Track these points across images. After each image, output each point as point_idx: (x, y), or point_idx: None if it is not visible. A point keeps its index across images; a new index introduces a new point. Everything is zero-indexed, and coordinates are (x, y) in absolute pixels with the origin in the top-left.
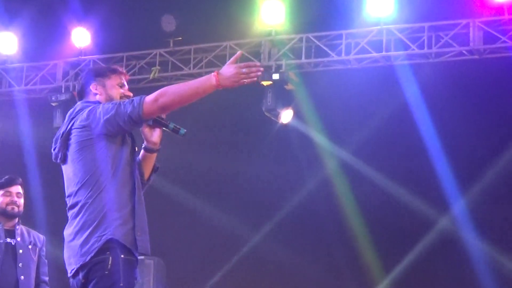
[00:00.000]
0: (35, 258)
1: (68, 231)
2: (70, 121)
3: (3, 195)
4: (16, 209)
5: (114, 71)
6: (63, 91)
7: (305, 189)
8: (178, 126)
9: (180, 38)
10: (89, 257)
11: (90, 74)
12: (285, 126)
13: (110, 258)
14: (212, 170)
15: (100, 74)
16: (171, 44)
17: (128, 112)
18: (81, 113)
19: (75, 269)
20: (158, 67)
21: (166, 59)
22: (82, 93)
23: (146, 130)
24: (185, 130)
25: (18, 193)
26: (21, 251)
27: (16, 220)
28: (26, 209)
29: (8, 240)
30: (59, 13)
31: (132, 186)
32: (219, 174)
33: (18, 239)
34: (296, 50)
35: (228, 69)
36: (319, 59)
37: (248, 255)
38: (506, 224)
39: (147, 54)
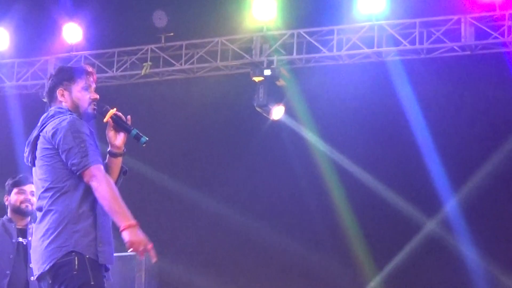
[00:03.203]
0: None
1: (35, 237)
2: (42, 126)
3: (17, 193)
4: (29, 207)
5: (81, 74)
6: None
7: (297, 186)
8: (140, 134)
9: (172, 33)
10: (48, 266)
11: (57, 77)
12: (277, 122)
13: (76, 258)
14: (205, 166)
15: (66, 78)
16: (163, 40)
17: (70, 162)
18: (51, 120)
19: (37, 276)
20: (149, 63)
21: (158, 55)
22: (50, 97)
23: (110, 134)
24: (147, 139)
25: (32, 191)
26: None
27: (29, 219)
28: None
29: (20, 239)
30: (51, 8)
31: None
32: (212, 171)
33: (30, 238)
34: (287, 46)
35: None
36: (311, 55)
37: (240, 250)
38: (497, 225)
39: (138, 50)
